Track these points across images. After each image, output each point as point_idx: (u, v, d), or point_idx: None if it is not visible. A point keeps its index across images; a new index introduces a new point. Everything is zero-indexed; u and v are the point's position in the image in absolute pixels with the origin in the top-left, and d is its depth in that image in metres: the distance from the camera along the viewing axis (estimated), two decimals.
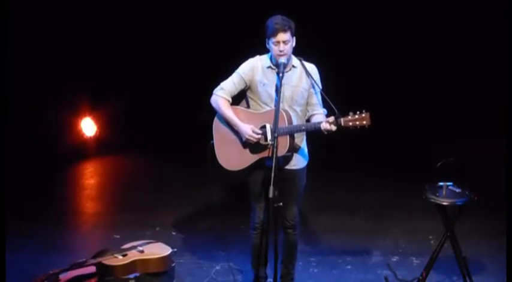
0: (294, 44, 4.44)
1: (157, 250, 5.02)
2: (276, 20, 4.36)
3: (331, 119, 4.26)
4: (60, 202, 7.11)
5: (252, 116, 4.51)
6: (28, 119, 8.25)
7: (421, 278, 4.86)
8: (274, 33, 4.34)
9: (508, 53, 5.23)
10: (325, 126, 4.26)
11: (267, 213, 4.53)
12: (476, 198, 4.71)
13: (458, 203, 4.70)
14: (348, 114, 4.25)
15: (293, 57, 4.51)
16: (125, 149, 8.92)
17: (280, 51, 4.36)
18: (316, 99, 4.57)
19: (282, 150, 4.35)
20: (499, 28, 6.25)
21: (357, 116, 4.24)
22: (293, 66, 4.52)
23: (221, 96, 4.54)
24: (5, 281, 4.58)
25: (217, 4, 8.82)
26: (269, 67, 4.50)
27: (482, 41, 8.56)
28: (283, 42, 4.35)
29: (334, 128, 4.25)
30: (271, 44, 4.39)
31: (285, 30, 4.33)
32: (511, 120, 4.90)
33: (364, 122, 4.24)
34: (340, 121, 4.24)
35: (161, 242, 5.21)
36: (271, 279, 4.56)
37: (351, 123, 4.25)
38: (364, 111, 4.25)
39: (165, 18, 8.98)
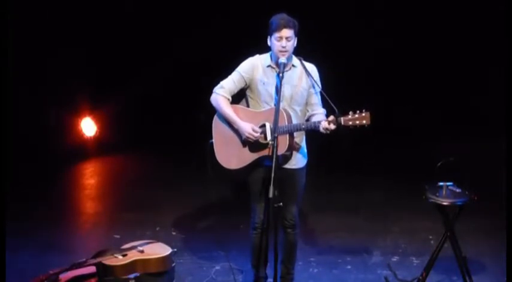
0: (295, 43, 4.45)
1: (157, 250, 5.02)
2: (281, 16, 4.39)
3: (331, 118, 4.27)
4: (60, 202, 7.11)
5: (251, 115, 4.52)
6: (28, 119, 8.25)
7: (421, 278, 4.87)
8: (279, 28, 4.34)
9: (508, 53, 5.23)
10: (325, 125, 4.26)
11: (267, 213, 4.54)
12: (476, 198, 4.71)
13: (458, 203, 4.70)
14: (348, 113, 4.26)
15: (293, 56, 4.52)
16: (125, 148, 8.92)
17: (283, 47, 4.37)
18: (316, 99, 4.57)
19: (282, 149, 4.35)
20: (499, 28, 6.25)
21: (357, 115, 4.25)
22: (293, 65, 4.52)
23: (221, 94, 4.54)
24: (5, 281, 4.59)
25: (217, 4, 8.81)
26: (269, 66, 4.51)
27: (482, 41, 8.56)
28: (286, 38, 4.36)
29: (333, 127, 4.25)
30: (273, 40, 4.39)
31: (289, 27, 4.35)
32: (511, 120, 4.90)
33: (364, 122, 4.25)
34: (340, 120, 4.25)
35: (161, 242, 5.21)
36: (271, 279, 4.56)
37: (350, 123, 4.25)
38: (364, 110, 4.26)
39: (165, 18, 8.98)
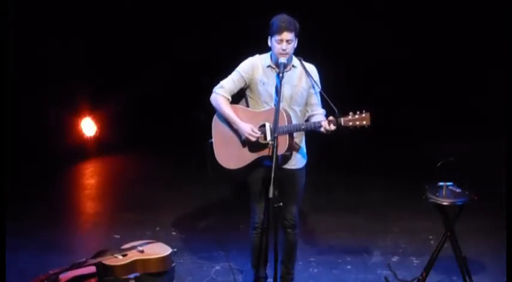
0: (295, 45, 4.45)
1: (157, 250, 5.02)
2: (282, 18, 4.37)
3: (331, 118, 4.27)
4: (60, 202, 7.11)
5: (251, 115, 4.52)
6: (28, 119, 8.24)
7: (421, 278, 4.87)
8: (279, 31, 4.33)
9: (508, 53, 5.23)
10: (325, 125, 4.27)
11: (267, 213, 4.54)
12: (476, 198, 4.71)
13: (458, 203, 4.70)
14: (348, 114, 4.26)
15: (293, 57, 4.52)
16: (125, 148, 8.92)
17: (283, 50, 4.37)
18: (316, 99, 4.58)
19: (281, 149, 4.35)
20: (499, 28, 6.25)
21: (357, 116, 4.25)
22: (293, 66, 4.52)
23: (221, 94, 4.54)
24: (5, 281, 4.59)
25: (218, 4, 8.82)
26: (269, 66, 4.51)
27: (482, 41, 8.56)
28: (287, 41, 4.36)
29: (333, 127, 4.26)
30: (273, 42, 4.39)
31: (290, 30, 4.34)
32: (511, 120, 4.90)
33: (364, 122, 4.25)
34: (340, 121, 4.25)
35: (161, 242, 5.21)
36: (271, 279, 4.56)
37: (351, 123, 4.25)
38: (364, 111, 4.26)
39: (165, 18, 8.98)
